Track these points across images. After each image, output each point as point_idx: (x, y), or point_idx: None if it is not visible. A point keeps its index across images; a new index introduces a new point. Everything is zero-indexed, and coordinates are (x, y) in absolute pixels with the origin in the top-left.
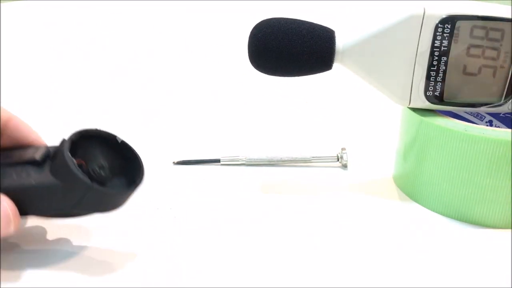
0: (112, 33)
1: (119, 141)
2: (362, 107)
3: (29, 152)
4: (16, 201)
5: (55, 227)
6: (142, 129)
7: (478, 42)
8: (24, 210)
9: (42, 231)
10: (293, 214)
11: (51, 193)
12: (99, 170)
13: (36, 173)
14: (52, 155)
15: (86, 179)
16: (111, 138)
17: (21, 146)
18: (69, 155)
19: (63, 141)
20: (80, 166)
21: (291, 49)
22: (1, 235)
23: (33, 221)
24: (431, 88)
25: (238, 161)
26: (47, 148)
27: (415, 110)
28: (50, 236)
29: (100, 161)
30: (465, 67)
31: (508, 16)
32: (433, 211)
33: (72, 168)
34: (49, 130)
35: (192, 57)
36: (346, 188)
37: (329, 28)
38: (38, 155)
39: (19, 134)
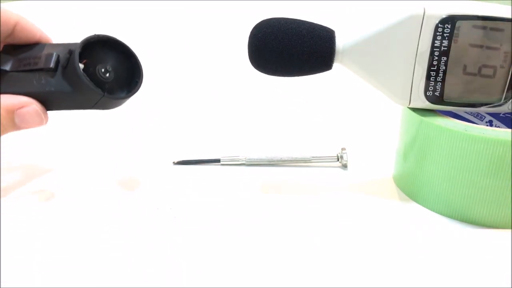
0: (112, 33)
1: (116, 40)
2: (362, 107)
3: (41, 59)
4: (41, 102)
5: (54, 227)
6: (142, 129)
7: (478, 42)
8: (48, 107)
9: (40, 230)
10: (293, 214)
11: (69, 99)
12: (105, 73)
13: (53, 80)
14: (63, 63)
15: (99, 90)
16: (111, 41)
17: (29, 44)
18: (81, 70)
19: (73, 54)
20: (86, 66)
21: (291, 49)
22: (38, 126)
23: (32, 221)
24: (431, 88)
25: (238, 161)
26: (57, 52)
27: (415, 110)
28: (49, 236)
29: (106, 65)
30: (465, 67)
31: (508, 16)
32: (433, 211)
33: (85, 82)
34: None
35: (192, 57)
36: (346, 188)
37: (329, 28)
38: (51, 63)
39: (27, 34)
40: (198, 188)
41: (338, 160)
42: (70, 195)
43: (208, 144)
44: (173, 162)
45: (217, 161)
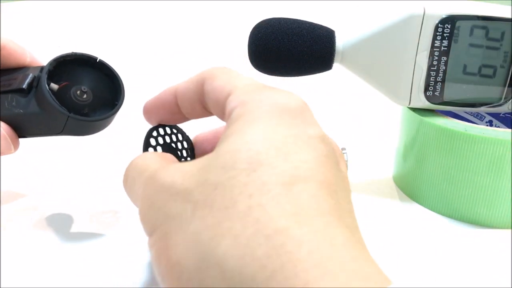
0: (112, 33)
1: (97, 60)
2: (362, 107)
3: (17, 80)
4: (12, 126)
5: (53, 227)
6: (142, 129)
7: (478, 42)
8: (20, 133)
9: (40, 231)
10: None
11: (38, 121)
12: (81, 94)
13: (23, 102)
14: (36, 84)
15: (63, 110)
16: (92, 60)
17: (13, 68)
18: (47, 86)
19: (42, 70)
20: (65, 87)
21: (291, 49)
22: (4, 155)
23: (31, 221)
24: (431, 88)
25: None
26: (33, 74)
27: (415, 110)
28: (49, 236)
29: (82, 86)
30: (465, 67)
31: (508, 16)
32: (433, 211)
33: (50, 100)
34: None
35: (192, 57)
36: None
37: (329, 28)
38: (24, 84)
39: (15, 60)
40: None
41: None
42: (68, 195)
43: None
44: None
45: None
